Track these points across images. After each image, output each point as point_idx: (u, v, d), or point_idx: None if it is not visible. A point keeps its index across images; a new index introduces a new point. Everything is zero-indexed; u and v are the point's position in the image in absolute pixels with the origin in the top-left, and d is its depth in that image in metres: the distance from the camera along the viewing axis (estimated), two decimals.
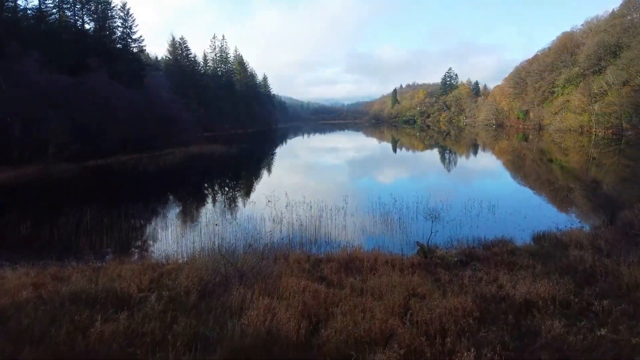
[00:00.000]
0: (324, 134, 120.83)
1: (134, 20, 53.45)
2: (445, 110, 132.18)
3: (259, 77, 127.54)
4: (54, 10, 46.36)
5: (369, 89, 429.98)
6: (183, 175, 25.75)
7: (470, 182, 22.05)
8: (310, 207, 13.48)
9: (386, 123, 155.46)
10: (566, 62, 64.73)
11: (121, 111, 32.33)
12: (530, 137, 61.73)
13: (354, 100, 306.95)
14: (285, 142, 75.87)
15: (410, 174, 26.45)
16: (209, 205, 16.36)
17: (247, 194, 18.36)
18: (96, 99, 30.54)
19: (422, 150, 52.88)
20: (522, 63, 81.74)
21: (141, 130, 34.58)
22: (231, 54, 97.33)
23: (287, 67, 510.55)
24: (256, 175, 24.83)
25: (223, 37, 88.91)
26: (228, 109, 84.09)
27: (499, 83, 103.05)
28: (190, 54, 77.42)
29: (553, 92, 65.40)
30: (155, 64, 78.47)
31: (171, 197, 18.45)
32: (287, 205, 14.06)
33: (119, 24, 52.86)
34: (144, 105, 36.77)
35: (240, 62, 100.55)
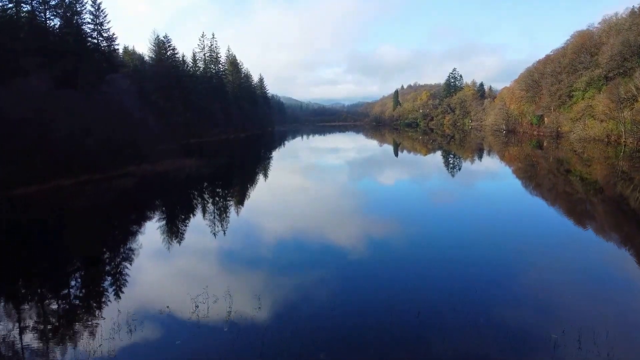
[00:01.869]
0: (324, 135, 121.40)
1: (105, 16, 47.96)
2: (449, 113, 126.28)
3: (255, 78, 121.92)
4: (10, 5, 40.66)
5: (370, 89, 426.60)
6: (117, 216, 18.79)
7: (521, 243, 13.76)
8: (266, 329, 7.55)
9: (387, 126, 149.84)
10: (586, 63, 58.75)
11: (65, 123, 26.53)
12: (545, 144, 56.24)
13: (354, 101, 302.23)
14: (281, 146, 69.98)
15: (430, 215, 18.50)
16: (95, 319, 8.36)
17: (172, 283, 10.35)
18: (31, 108, 24.74)
19: (426, 155, 47.17)
20: (534, 64, 75.82)
21: (94, 145, 28.76)
22: (223, 54, 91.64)
23: (288, 67, 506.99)
24: (207, 227, 15.94)
25: (213, 35, 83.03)
26: (218, 112, 78.33)
27: (502, 83, 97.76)
28: (176, 53, 71.77)
29: (571, 96, 59.41)
30: (142, 65, 72.80)
31: (49, 282, 10.91)
32: (229, 315, 8.23)
33: (89, 20, 47.39)
34: (101, 115, 30.98)
35: (233, 62, 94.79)
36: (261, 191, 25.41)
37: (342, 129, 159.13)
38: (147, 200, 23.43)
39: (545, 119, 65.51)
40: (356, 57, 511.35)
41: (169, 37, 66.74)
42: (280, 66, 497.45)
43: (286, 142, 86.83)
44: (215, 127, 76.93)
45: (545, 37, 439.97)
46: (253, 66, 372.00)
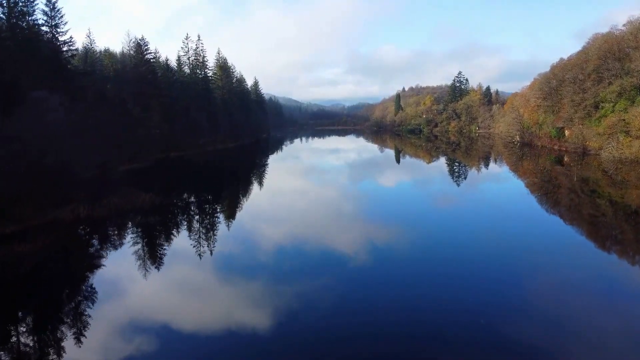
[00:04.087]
0: (323, 138, 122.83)
1: (62, 17, 41.23)
2: (454, 119, 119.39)
3: (250, 82, 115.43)
4: None
5: (370, 89, 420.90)
6: None
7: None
8: None
9: (389, 131, 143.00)
10: (615, 70, 51.77)
11: None
12: (567, 159, 49.61)
13: (355, 102, 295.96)
14: (278, 151, 62.58)
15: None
16: None
17: None
18: None
19: (429, 162, 40.47)
20: (551, 69, 68.92)
21: (13, 184, 22.10)
22: (212, 58, 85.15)
23: (287, 68, 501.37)
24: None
25: (198, 37, 76.40)
26: (203, 121, 71.62)
27: (503, 84, 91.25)
28: (158, 57, 65.22)
29: (598, 107, 52.47)
30: (123, 69, 66.19)
31: None
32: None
33: (43, 21, 40.73)
34: (29, 141, 24.32)
35: (223, 66, 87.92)
36: (235, 267, 16.25)
37: (341, 133, 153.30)
38: (72, 262, 16.06)
39: (566, 131, 58.61)
40: (356, 57, 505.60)
41: (146, 40, 59.99)
42: (280, 67, 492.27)
43: (284, 147, 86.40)
44: (200, 137, 70.24)
45: (547, 38, 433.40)
46: (252, 67, 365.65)
